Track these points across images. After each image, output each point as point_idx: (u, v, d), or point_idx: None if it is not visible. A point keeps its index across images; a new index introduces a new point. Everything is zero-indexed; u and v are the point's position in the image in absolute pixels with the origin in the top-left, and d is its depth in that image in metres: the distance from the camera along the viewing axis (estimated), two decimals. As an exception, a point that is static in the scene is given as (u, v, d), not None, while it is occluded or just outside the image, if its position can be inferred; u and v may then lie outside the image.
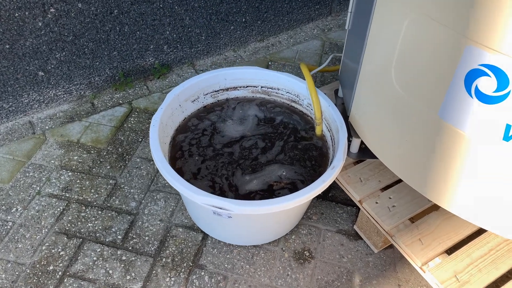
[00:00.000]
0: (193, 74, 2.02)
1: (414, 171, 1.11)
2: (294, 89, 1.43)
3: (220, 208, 1.05)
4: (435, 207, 1.29)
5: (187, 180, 1.21)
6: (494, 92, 0.84)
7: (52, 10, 1.56)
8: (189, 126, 1.37)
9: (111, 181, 1.53)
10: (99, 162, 1.59)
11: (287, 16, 2.24)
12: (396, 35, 1.01)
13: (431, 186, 1.09)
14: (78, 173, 1.55)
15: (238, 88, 1.47)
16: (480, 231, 1.24)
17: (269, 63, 2.12)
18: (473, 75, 0.86)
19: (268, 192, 1.21)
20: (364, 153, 1.43)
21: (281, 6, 2.18)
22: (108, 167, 1.58)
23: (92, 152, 1.63)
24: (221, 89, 1.45)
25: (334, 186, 1.52)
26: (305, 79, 1.39)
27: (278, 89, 1.46)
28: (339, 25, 2.40)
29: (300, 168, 1.27)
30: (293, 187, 1.23)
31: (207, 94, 1.44)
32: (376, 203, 1.29)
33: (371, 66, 1.16)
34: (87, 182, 1.52)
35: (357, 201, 1.32)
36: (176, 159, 1.26)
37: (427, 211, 1.30)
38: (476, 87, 0.86)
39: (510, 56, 0.79)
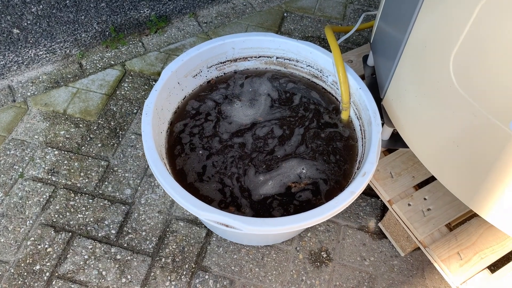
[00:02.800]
0: (196, 26, 1.74)
1: (460, 179, 0.91)
2: (317, 62, 1.18)
3: (227, 226, 0.87)
4: (477, 211, 1.10)
5: (192, 183, 1.03)
6: None
7: (21, -47, 1.27)
8: (189, 111, 1.14)
9: (102, 163, 1.34)
10: (88, 139, 1.39)
11: (306, -46, 1.89)
12: (463, 18, 0.75)
13: (480, 199, 0.89)
14: (66, 152, 1.36)
15: (248, 58, 1.22)
16: (528, 244, 1.07)
17: (285, 14, 1.81)
18: None
19: (286, 196, 1.02)
20: (397, 141, 1.21)
21: None
22: (99, 145, 1.38)
23: (80, 126, 1.43)
24: (228, 60, 1.21)
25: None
26: (331, 51, 1.14)
27: (297, 61, 1.21)
28: (367, -36, 2.04)
29: (323, 164, 1.07)
30: (314, 188, 1.04)
31: (211, 66, 1.19)
32: (409, 205, 1.11)
33: (421, 46, 0.91)
34: (75, 164, 1.34)
35: (386, 201, 1.14)
36: (175, 156, 1.06)
37: (467, 214, 1.12)
38: None
39: None
